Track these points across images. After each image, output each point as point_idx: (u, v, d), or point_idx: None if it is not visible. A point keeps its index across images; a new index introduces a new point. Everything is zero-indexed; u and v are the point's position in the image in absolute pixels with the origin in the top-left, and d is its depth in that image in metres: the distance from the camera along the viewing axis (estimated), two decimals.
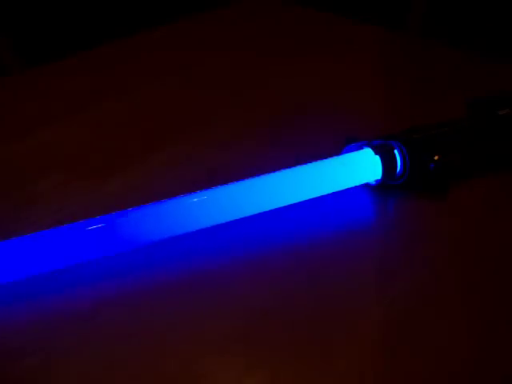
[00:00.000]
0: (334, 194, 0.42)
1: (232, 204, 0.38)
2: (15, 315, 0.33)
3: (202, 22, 0.76)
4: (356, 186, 0.43)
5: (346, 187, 0.42)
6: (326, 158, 0.42)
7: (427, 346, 0.31)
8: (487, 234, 0.40)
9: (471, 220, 0.41)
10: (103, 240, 0.35)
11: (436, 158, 0.42)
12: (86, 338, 0.32)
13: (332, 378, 0.30)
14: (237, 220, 0.39)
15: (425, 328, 0.33)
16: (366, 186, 0.44)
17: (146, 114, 0.55)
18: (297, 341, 0.32)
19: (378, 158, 0.42)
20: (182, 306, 0.34)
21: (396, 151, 0.42)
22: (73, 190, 0.44)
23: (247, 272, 0.36)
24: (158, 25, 0.74)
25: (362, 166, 0.42)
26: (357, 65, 0.65)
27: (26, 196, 0.43)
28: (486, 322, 0.33)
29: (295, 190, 0.40)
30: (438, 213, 0.42)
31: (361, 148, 0.43)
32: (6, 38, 0.98)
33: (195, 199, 0.38)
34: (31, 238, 0.34)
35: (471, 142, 0.45)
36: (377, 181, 0.43)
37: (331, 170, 0.41)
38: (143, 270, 0.36)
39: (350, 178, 0.42)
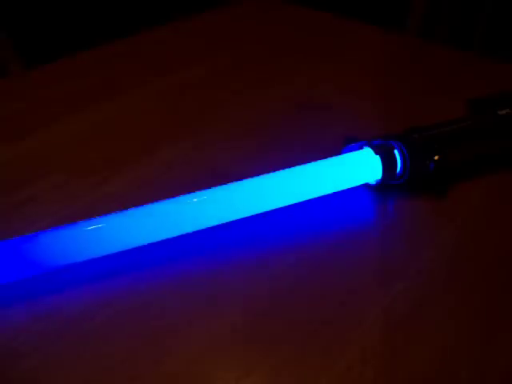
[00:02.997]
0: (333, 194, 0.42)
1: (232, 204, 0.38)
2: (15, 315, 0.33)
3: (202, 22, 0.76)
4: (356, 186, 0.43)
5: (346, 187, 0.42)
6: (325, 157, 0.42)
7: (427, 346, 0.31)
8: (487, 233, 0.40)
9: (471, 220, 0.41)
10: (103, 240, 0.35)
11: (436, 158, 0.42)
12: (85, 338, 0.32)
13: (332, 377, 0.30)
14: (237, 220, 0.39)
15: (425, 328, 0.33)
16: (366, 186, 0.44)
17: (147, 113, 0.55)
18: (297, 341, 0.32)
19: (378, 157, 0.42)
20: (182, 306, 0.34)
21: (396, 151, 0.42)
22: (73, 190, 0.44)
23: (247, 272, 0.36)
24: (158, 25, 0.74)
25: (362, 166, 0.42)
26: (357, 65, 0.65)
27: (25, 196, 0.43)
28: (486, 321, 0.33)
29: (295, 190, 0.40)
30: (438, 213, 0.42)
31: (361, 148, 0.43)
32: (6, 38, 0.98)
33: (195, 199, 0.38)
34: (31, 238, 0.34)
35: (471, 142, 0.45)
36: (377, 181, 0.43)
37: (331, 170, 0.41)
38: (143, 270, 0.36)
39: (350, 177, 0.42)
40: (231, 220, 0.39)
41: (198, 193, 0.38)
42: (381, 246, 0.39)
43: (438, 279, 0.36)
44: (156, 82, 0.61)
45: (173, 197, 0.38)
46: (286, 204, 0.41)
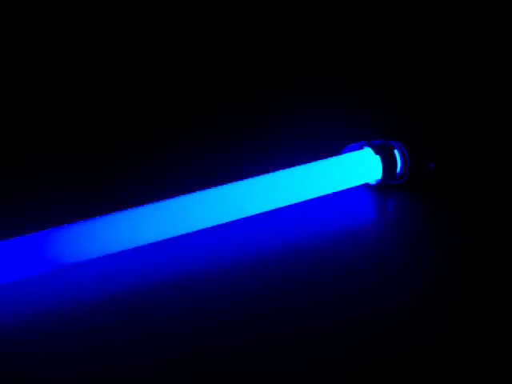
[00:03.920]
0: (334, 193, 0.42)
1: (232, 204, 0.38)
2: (15, 315, 0.33)
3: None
4: (356, 186, 0.43)
5: (346, 187, 0.42)
6: (325, 157, 0.42)
7: (427, 345, 0.31)
8: (487, 233, 0.40)
9: (471, 219, 0.41)
10: (103, 240, 0.35)
11: (436, 157, 0.42)
12: (85, 338, 0.32)
13: (332, 376, 0.30)
14: (237, 220, 0.39)
15: (425, 327, 0.33)
16: (366, 185, 0.44)
17: (147, 113, 0.55)
18: (296, 340, 0.32)
19: (378, 157, 0.42)
20: (182, 305, 0.34)
21: (396, 151, 0.42)
22: (72, 190, 0.44)
23: (247, 271, 0.36)
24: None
25: (362, 166, 0.42)
26: (357, 64, 0.65)
27: (25, 196, 0.43)
28: (486, 320, 0.33)
29: (295, 189, 0.40)
30: (438, 213, 0.42)
31: (361, 148, 0.43)
32: None
33: (195, 199, 0.38)
34: (31, 238, 0.34)
35: (471, 142, 0.46)
36: (377, 181, 0.43)
37: (331, 170, 0.41)
38: (142, 269, 0.36)
39: (350, 177, 0.42)
40: (231, 220, 0.39)
41: (197, 193, 0.38)
42: (381, 246, 0.39)
43: (438, 278, 0.36)
44: (156, 85, 0.61)
45: (173, 197, 0.38)
46: (286, 204, 0.41)
